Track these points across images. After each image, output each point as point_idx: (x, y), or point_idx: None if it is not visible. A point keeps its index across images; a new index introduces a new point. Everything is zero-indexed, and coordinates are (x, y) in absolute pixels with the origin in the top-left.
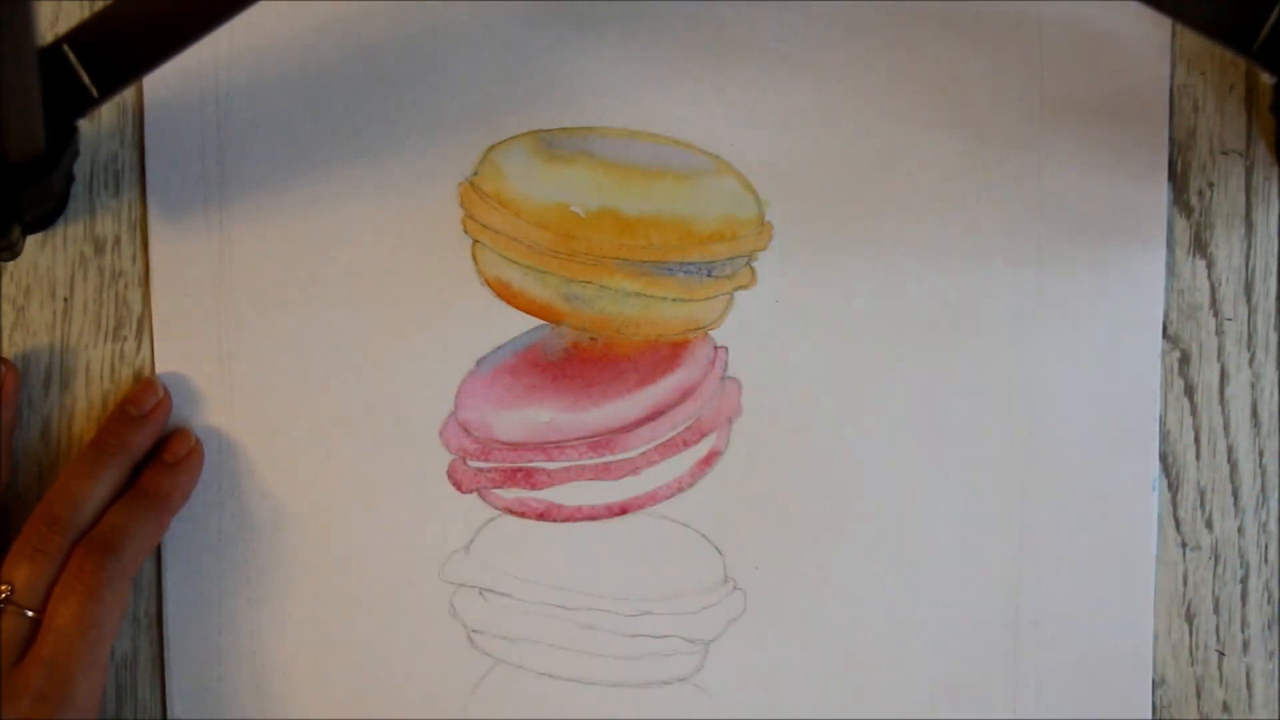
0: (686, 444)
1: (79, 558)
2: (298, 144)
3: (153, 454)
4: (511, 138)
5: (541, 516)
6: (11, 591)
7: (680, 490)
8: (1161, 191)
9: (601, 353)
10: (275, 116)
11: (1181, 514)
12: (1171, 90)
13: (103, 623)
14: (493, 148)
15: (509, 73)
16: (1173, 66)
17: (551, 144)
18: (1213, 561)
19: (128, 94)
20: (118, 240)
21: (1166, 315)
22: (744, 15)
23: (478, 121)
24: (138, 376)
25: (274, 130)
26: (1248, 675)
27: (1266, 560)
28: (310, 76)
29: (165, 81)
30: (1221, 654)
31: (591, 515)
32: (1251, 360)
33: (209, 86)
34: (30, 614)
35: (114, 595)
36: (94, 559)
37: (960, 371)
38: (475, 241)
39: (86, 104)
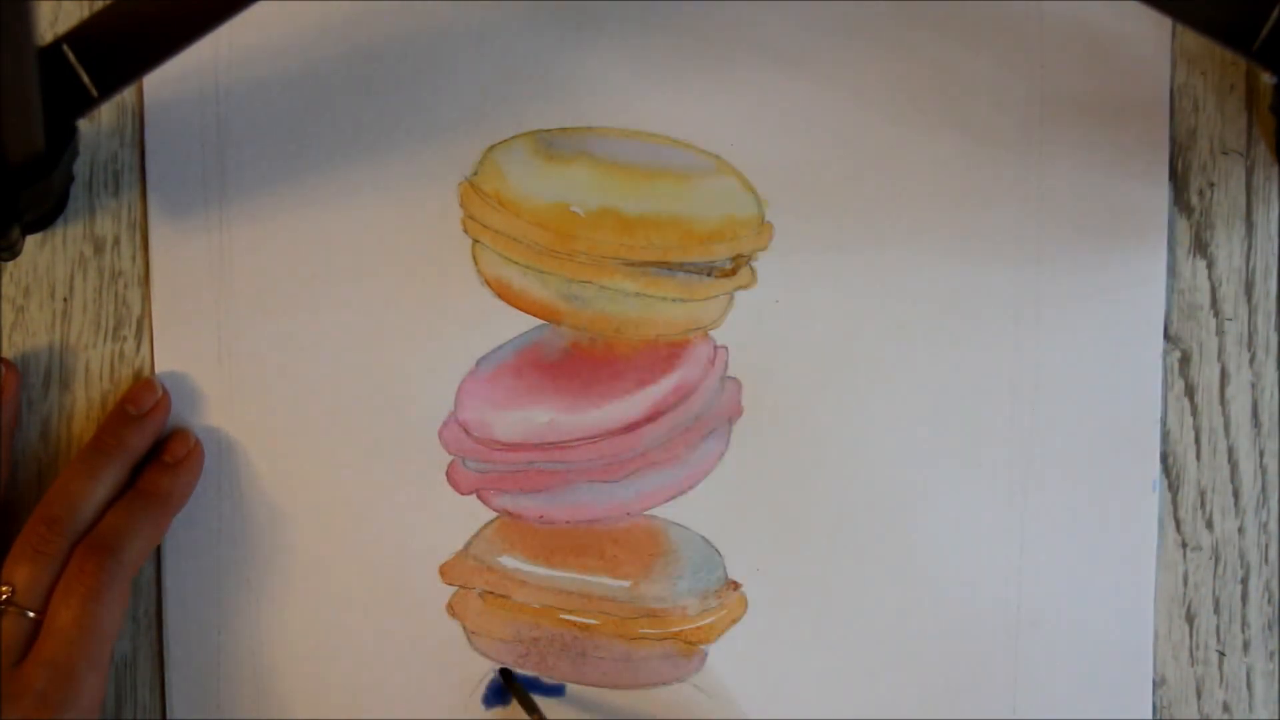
0: (687, 444)
1: (79, 559)
2: (298, 144)
3: (152, 454)
4: (511, 138)
5: (541, 518)
6: (12, 593)
7: (680, 491)
8: (1162, 191)
9: (601, 353)
10: (275, 116)
11: (1182, 514)
12: (1172, 90)
13: (104, 623)
14: (493, 148)
15: (509, 73)
16: (1173, 66)
17: (551, 144)
18: (1213, 561)
19: (128, 94)
20: (117, 240)
21: (1167, 315)
22: (744, 15)
23: (477, 121)
24: (137, 376)
25: (274, 130)
26: (1248, 675)
27: (1267, 560)
28: (310, 76)
29: (165, 81)
30: (1222, 654)
31: (592, 517)
32: (1252, 360)
33: (209, 86)
34: (31, 615)
35: (114, 595)
36: (94, 559)
37: (961, 371)
38: (475, 241)
39: (86, 104)
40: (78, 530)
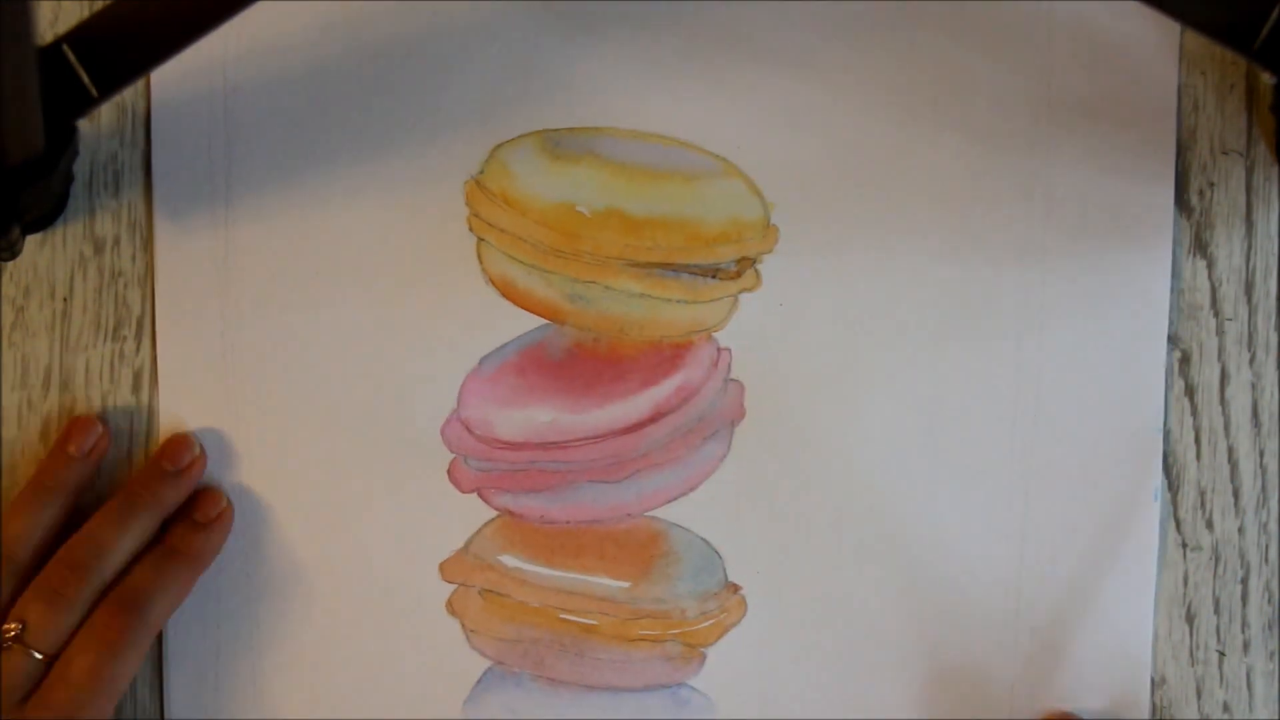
0: (688, 446)
1: (105, 613)
2: (304, 142)
3: (182, 511)
4: (518, 137)
5: (542, 518)
6: (23, 630)
7: (682, 493)
8: (1168, 194)
9: (605, 353)
10: (281, 114)
11: (1182, 514)
12: None
13: (118, 680)
14: (499, 146)
15: (516, 72)
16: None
17: (558, 144)
18: (1213, 562)
19: (132, 93)
20: (117, 240)
21: (1167, 315)
22: (752, 17)
23: (484, 120)
24: (137, 377)
25: (280, 128)
26: (1248, 675)
27: (1267, 560)
28: (316, 75)
29: (171, 79)
30: (1222, 654)
31: (592, 518)
32: (1252, 360)
33: (215, 84)
34: (39, 656)
35: (134, 654)
36: (121, 618)
37: (964, 374)
38: (480, 240)
39: (86, 104)
40: (100, 578)
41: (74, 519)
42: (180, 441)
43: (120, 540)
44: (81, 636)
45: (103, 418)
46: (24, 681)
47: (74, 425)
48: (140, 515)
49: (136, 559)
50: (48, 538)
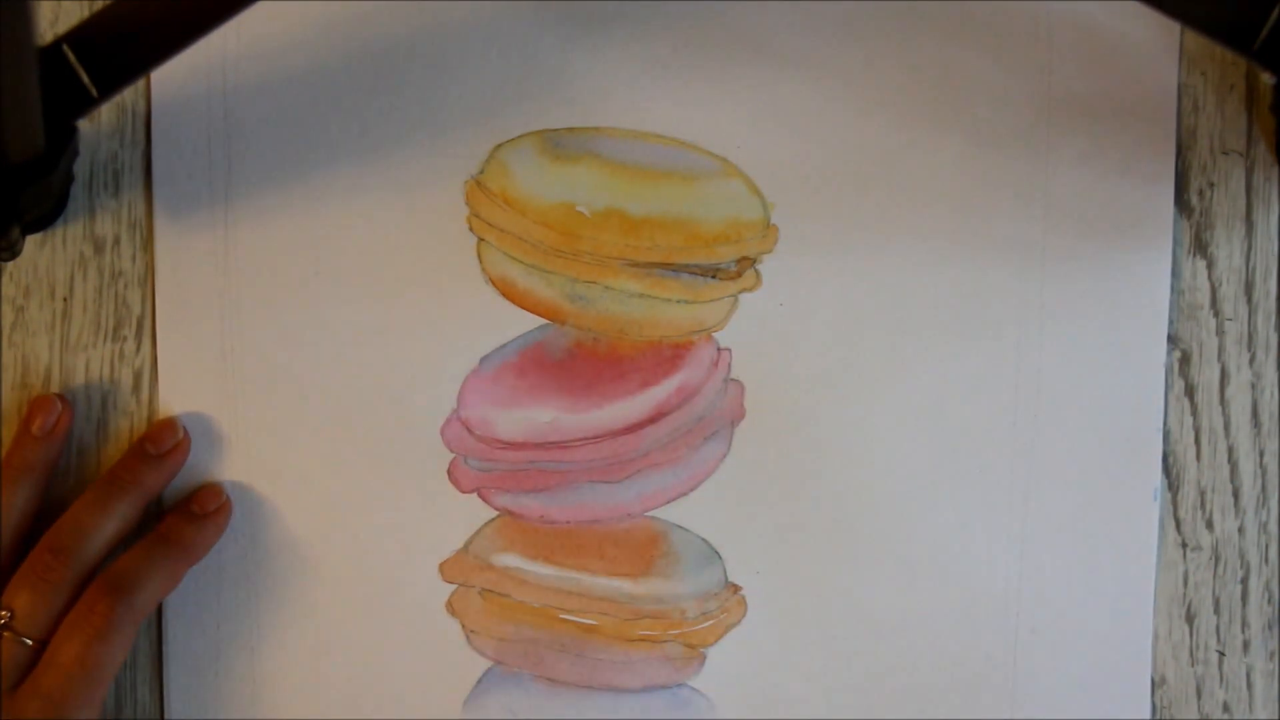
0: (689, 446)
1: (91, 597)
2: (304, 141)
3: (180, 502)
4: (518, 137)
5: (542, 518)
6: (11, 618)
7: (682, 493)
8: (1168, 194)
9: (605, 353)
10: (281, 114)
11: (1182, 514)
12: None
13: (106, 664)
14: (499, 147)
15: (516, 72)
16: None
17: (558, 144)
18: (1213, 562)
19: (132, 93)
20: (117, 240)
21: (1167, 315)
22: (752, 17)
23: (485, 120)
24: (137, 377)
25: (280, 128)
26: (1248, 675)
27: (1267, 560)
28: (317, 74)
29: (171, 79)
30: (1222, 654)
31: (592, 518)
32: (1252, 360)
33: (215, 83)
34: (29, 642)
35: (121, 638)
36: (106, 600)
37: (964, 374)
38: (480, 240)
39: (86, 104)
40: (83, 562)
41: (54, 509)
42: (164, 425)
43: (102, 523)
44: (69, 622)
45: (62, 395)
46: (16, 668)
47: (35, 405)
48: (122, 498)
49: (127, 545)
50: (24, 522)
